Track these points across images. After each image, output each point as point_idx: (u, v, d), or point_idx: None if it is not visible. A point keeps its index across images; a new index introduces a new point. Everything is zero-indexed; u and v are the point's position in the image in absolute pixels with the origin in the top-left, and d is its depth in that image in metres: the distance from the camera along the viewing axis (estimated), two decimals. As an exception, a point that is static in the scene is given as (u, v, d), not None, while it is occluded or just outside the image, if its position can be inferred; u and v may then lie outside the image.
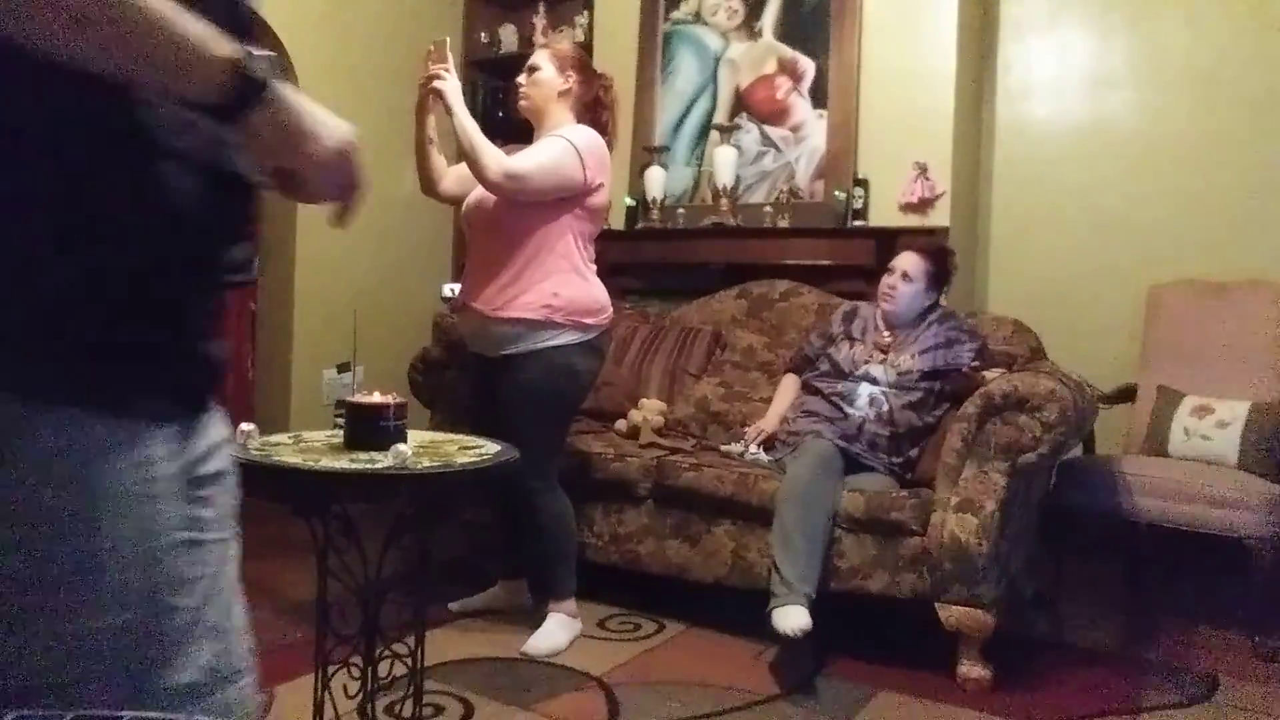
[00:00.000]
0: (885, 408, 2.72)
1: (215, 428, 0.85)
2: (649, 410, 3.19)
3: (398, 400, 1.83)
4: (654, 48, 4.07)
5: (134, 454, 0.72)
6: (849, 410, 2.74)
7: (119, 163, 0.70)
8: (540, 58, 2.62)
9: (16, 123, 0.66)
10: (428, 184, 2.66)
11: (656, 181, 3.88)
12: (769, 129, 3.80)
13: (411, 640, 1.79)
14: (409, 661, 1.79)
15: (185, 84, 0.69)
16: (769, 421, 2.94)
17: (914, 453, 2.74)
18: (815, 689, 2.32)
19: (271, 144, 0.75)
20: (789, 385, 3.03)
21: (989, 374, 2.63)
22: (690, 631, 2.68)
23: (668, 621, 2.72)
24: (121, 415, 0.71)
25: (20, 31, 0.62)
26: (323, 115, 0.78)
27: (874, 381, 2.77)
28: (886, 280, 2.88)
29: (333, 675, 1.75)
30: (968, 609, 2.33)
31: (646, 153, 3.94)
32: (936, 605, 2.36)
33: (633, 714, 2.15)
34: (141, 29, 0.65)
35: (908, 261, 2.86)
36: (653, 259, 3.92)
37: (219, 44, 0.69)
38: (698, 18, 3.99)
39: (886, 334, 2.87)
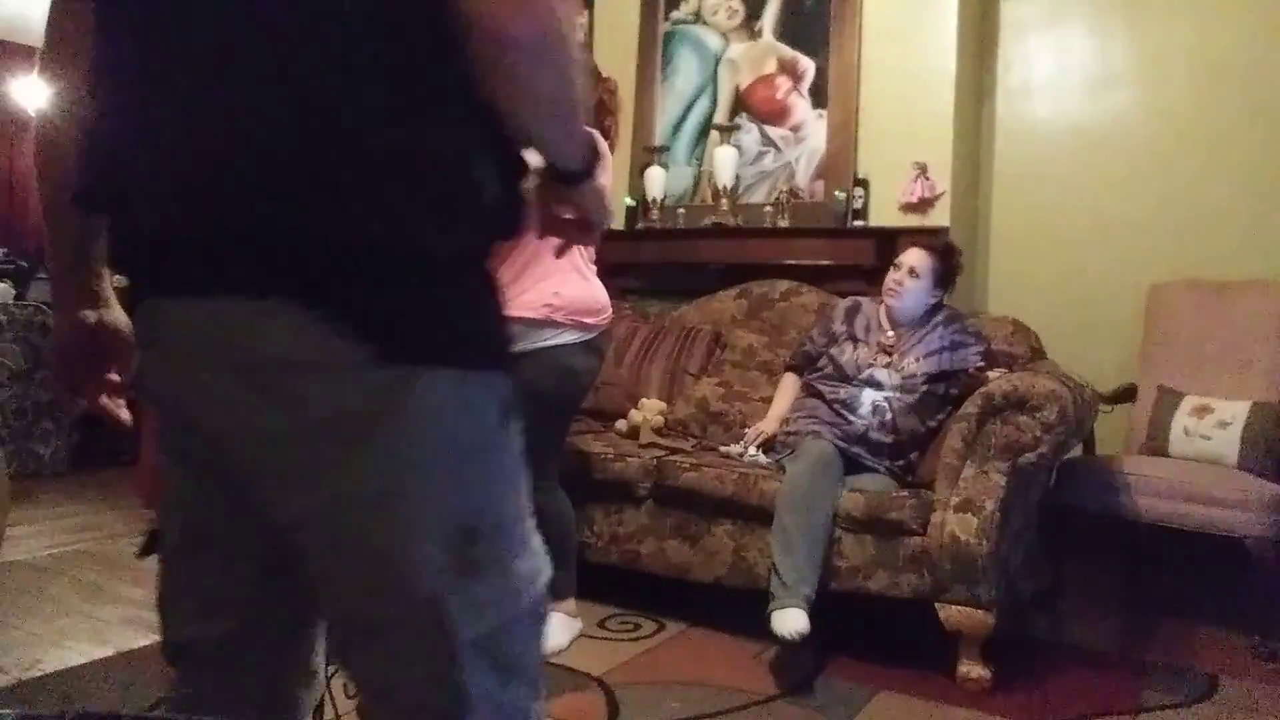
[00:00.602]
0: (888, 415, 2.71)
1: None
2: (649, 410, 3.19)
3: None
4: (654, 48, 4.07)
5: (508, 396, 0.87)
6: (852, 418, 2.73)
7: (511, 187, 0.86)
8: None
9: (462, 162, 0.80)
10: None
11: (656, 181, 3.88)
12: (769, 129, 3.80)
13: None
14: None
15: (571, 154, 0.89)
16: (768, 423, 2.94)
17: (914, 456, 2.74)
18: (815, 689, 2.32)
19: (589, 202, 0.96)
20: (789, 385, 3.03)
21: (991, 374, 2.63)
22: (690, 631, 2.68)
23: (668, 621, 2.72)
24: (509, 373, 0.87)
25: (514, 114, 0.80)
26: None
27: (878, 386, 2.76)
28: (893, 275, 2.86)
29: (333, 675, 1.75)
30: (968, 609, 2.33)
31: (646, 153, 3.94)
32: (936, 605, 2.36)
33: (633, 714, 2.15)
34: (572, 116, 0.84)
35: (915, 258, 2.84)
36: (653, 259, 3.92)
37: (584, 125, 0.89)
38: (698, 18, 3.99)
39: (890, 333, 2.85)
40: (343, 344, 0.75)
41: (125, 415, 1.09)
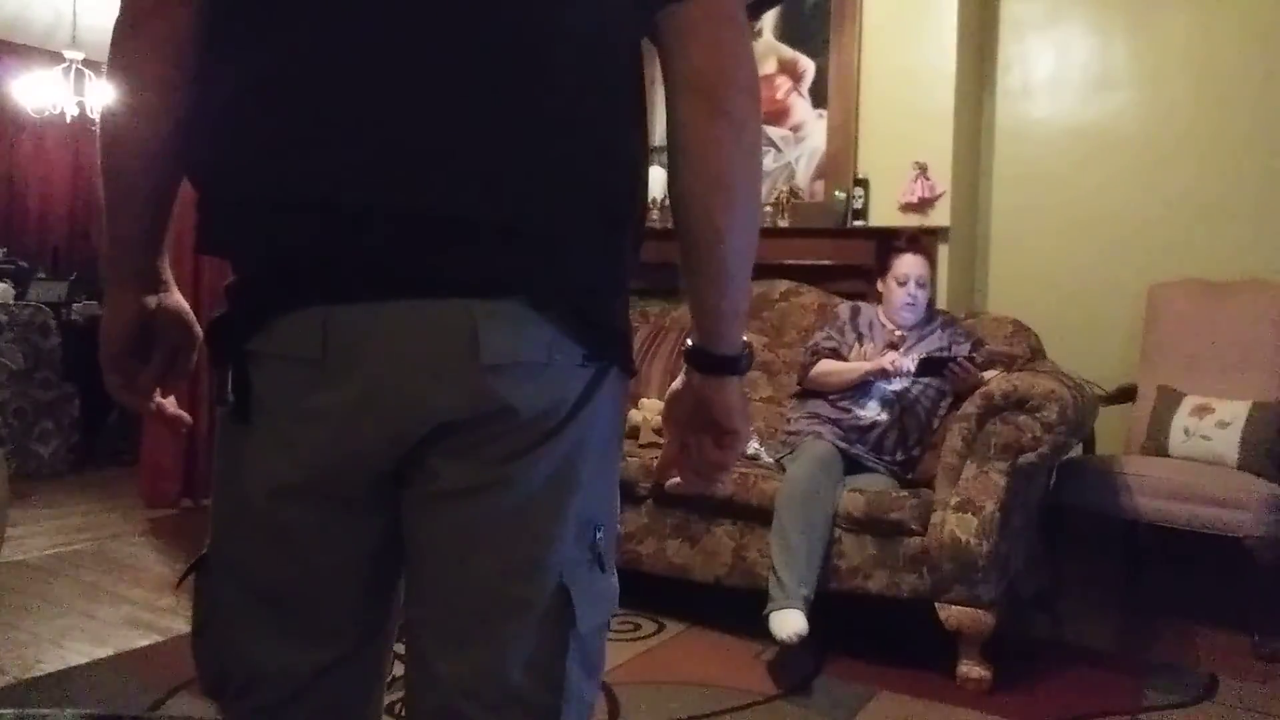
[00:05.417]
0: (897, 409, 2.73)
1: None
2: (649, 410, 3.19)
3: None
4: (653, 47, 4.07)
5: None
6: (859, 412, 2.74)
7: (637, 243, 0.91)
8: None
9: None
10: None
11: (657, 181, 3.87)
12: (769, 129, 3.80)
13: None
14: (409, 662, 1.79)
15: (736, 331, 0.89)
16: (862, 366, 2.82)
17: (916, 451, 2.75)
18: (815, 689, 2.32)
19: (730, 405, 0.90)
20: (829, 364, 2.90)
21: (988, 374, 2.63)
22: (690, 631, 2.68)
23: (668, 621, 2.72)
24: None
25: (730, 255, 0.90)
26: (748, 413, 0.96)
27: (886, 381, 2.77)
28: (905, 291, 2.83)
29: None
30: (968, 609, 2.33)
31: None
32: (936, 605, 2.36)
33: (633, 714, 2.15)
34: (754, 247, 0.91)
35: (917, 267, 2.84)
36: (653, 259, 3.88)
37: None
38: (698, 18, 3.98)
39: (897, 332, 2.87)
40: (566, 344, 0.81)
41: (185, 415, 1.00)
